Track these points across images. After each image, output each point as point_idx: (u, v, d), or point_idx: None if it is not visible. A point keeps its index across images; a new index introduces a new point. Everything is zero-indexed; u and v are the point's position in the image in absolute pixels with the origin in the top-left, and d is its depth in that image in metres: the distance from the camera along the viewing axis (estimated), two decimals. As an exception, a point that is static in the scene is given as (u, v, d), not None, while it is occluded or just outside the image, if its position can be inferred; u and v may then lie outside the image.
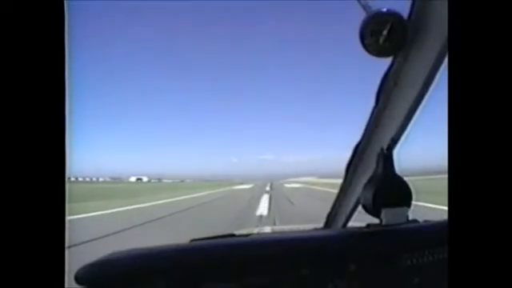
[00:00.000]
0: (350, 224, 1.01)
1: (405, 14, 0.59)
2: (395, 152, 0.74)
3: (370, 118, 0.76)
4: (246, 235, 0.84)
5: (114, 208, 10.68)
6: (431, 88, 0.62)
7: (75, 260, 0.56)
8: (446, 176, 0.39)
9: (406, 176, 0.72)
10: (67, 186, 0.41)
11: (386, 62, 0.67)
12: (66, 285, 0.43)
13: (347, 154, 0.90)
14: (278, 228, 1.47)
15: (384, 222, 0.71)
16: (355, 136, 0.85)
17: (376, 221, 0.73)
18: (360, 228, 0.76)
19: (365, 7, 0.59)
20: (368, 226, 0.74)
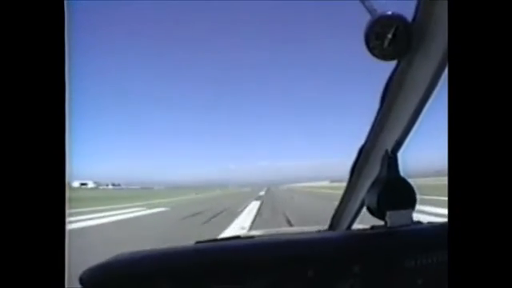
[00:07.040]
0: (355, 226, 1.01)
1: (409, 16, 0.59)
2: (400, 154, 0.74)
3: (375, 120, 0.76)
4: (251, 237, 0.85)
5: None
6: (436, 91, 0.62)
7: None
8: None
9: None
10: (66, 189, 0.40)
11: (391, 64, 0.67)
12: (66, 285, 0.43)
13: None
14: (283, 230, 1.48)
15: (388, 224, 0.71)
16: (360, 139, 0.84)
17: (380, 223, 0.73)
18: (364, 230, 0.76)
19: (370, 10, 0.59)
20: (372, 227, 0.74)
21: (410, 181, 0.72)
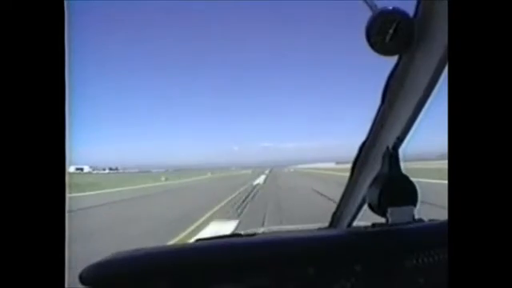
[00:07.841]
0: (356, 223, 1.00)
1: (411, 12, 0.59)
2: (401, 151, 0.73)
3: (376, 117, 0.76)
4: (252, 235, 0.85)
5: None
6: (437, 87, 0.61)
7: None
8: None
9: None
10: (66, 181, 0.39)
11: (392, 60, 0.66)
12: (66, 285, 0.42)
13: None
14: (284, 228, 1.48)
15: (390, 222, 0.70)
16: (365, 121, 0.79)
17: (382, 220, 0.73)
18: (365, 227, 0.76)
19: (371, 5, 0.58)
20: (373, 225, 0.74)
21: (412, 163, 0.71)
